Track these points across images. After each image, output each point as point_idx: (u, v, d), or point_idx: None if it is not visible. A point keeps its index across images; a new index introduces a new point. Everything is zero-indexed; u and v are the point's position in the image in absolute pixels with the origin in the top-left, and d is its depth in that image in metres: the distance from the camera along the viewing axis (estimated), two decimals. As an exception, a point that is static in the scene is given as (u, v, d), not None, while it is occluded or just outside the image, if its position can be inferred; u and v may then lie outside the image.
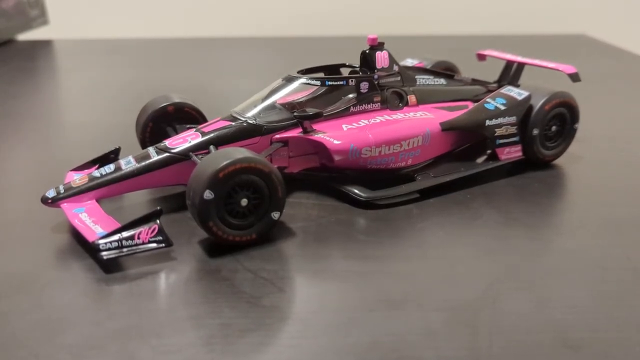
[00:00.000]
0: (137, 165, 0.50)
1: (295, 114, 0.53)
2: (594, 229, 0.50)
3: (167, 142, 0.52)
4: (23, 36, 1.35)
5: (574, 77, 0.64)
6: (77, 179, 0.50)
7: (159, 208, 0.44)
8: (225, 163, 0.43)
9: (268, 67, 1.12)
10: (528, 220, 0.51)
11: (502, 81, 0.69)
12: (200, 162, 0.46)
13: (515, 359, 0.35)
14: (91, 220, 0.46)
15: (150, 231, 0.44)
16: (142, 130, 0.59)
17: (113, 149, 0.56)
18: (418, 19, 1.45)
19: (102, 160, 0.55)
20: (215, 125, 0.53)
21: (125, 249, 0.43)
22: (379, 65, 0.58)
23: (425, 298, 0.40)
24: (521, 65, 0.69)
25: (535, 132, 0.59)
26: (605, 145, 0.69)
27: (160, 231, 0.44)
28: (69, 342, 0.36)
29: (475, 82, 0.67)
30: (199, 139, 0.51)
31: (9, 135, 0.74)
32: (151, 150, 0.51)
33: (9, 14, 1.26)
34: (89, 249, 0.45)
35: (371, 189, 0.53)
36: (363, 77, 0.57)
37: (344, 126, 0.54)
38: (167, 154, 0.50)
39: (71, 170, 0.55)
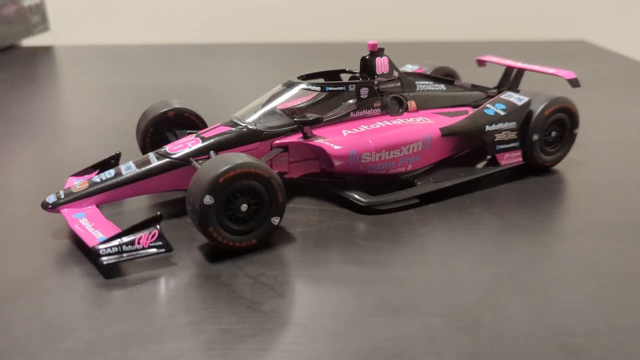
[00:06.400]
0: (138, 171, 0.50)
1: (295, 119, 0.53)
2: (595, 234, 0.50)
3: (167, 148, 0.52)
4: (24, 42, 1.35)
5: (574, 83, 0.65)
6: (78, 184, 0.50)
7: (159, 213, 0.44)
8: (225, 168, 0.43)
9: (268, 73, 1.12)
10: (528, 226, 0.51)
11: (501, 87, 0.69)
12: (200, 167, 0.46)
13: (515, 364, 0.35)
14: (91, 225, 0.46)
15: (150, 236, 0.44)
16: (143, 135, 0.59)
17: (113, 154, 0.56)
18: (418, 25, 1.45)
19: (102, 166, 0.55)
20: (215, 130, 0.53)
21: (125, 254, 0.43)
22: (379, 71, 0.58)
23: (425, 303, 0.40)
24: (521, 71, 0.69)
25: (535, 137, 0.59)
26: (605, 150, 0.69)
27: (161, 236, 0.44)
28: (69, 347, 0.36)
29: (475, 87, 0.67)
30: (199, 145, 0.51)
31: (9, 141, 0.73)
32: (151, 155, 0.51)
33: (10, 20, 1.26)
34: (89, 254, 0.45)
35: (371, 194, 0.53)
36: (363, 83, 0.57)
37: (344, 131, 0.54)
38: (167, 160, 0.51)
39: (71, 176, 0.55)
